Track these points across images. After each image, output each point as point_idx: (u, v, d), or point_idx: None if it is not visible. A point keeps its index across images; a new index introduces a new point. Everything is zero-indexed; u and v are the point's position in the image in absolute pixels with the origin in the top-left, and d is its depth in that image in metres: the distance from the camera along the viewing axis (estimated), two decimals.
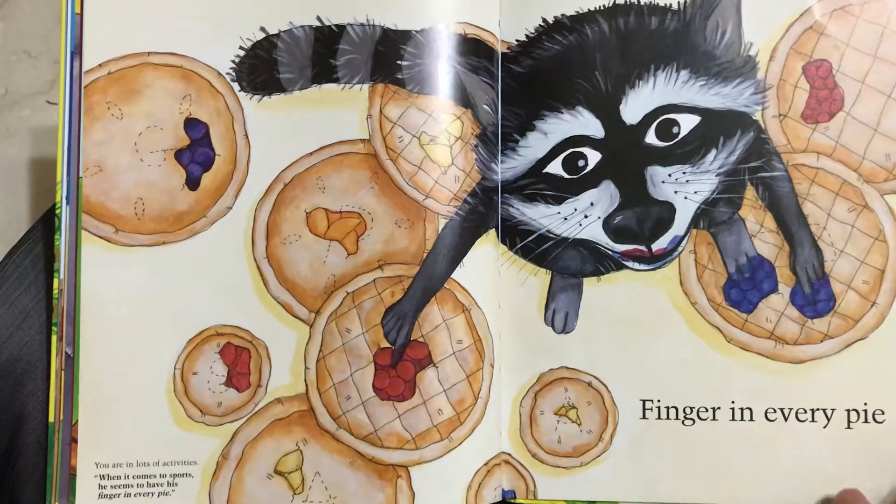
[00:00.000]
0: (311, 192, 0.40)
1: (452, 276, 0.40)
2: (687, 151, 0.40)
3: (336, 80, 0.40)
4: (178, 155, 0.40)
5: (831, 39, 0.40)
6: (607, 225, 0.40)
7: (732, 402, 0.40)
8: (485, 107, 0.41)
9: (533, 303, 0.41)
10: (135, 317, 0.40)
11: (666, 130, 0.40)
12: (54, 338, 0.39)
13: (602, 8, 0.40)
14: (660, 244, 0.40)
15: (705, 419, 0.40)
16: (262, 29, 0.40)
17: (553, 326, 0.40)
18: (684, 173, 0.40)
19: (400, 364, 0.40)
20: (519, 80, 0.41)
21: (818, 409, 0.39)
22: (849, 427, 0.39)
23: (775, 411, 0.39)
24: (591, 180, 0.40)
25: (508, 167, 0.41)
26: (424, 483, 0.39)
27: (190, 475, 0.39)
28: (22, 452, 0.41)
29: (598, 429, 0.40)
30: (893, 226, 0.39)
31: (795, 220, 0.40)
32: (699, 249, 0.40)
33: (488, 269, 0.41)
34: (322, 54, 0.40)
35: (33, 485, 0.40)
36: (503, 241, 0.41)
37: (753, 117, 0.40)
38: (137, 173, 0.40)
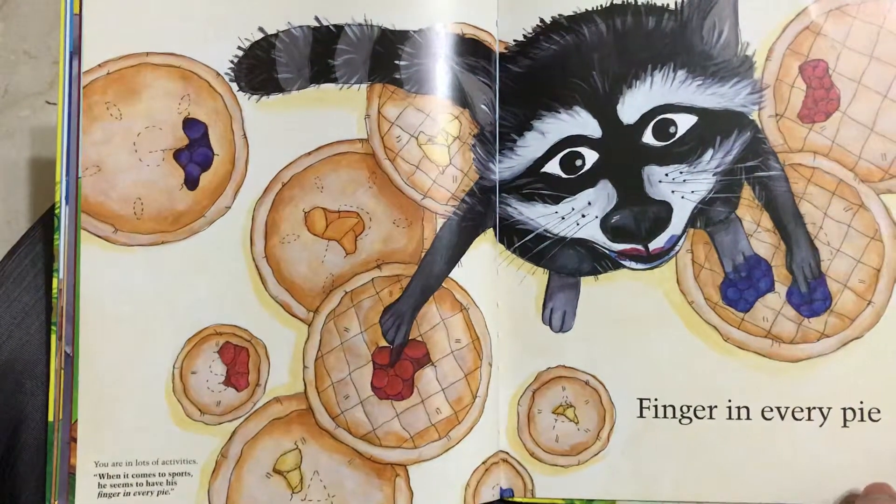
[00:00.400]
0: (309, 191, 0.40)
1: (450, 275, 0.40)
2: (684, 151, 0.40)
3: (334, 80, 0.40)
4: (177, 155, 0.40)
5: (828, 39, 0.40)
6: (605, 224, 0.40)
7: (729, 401, 0.40)
8: (482, 107, 0.41)
9: (531, 302, 0.41)
10: (134, 316, 0.40)
11: (663, 130, 0.40)
12: (54, 337, 0.40)
13: (599, 8, 0.40)
14: (657, 243, 0.40)
15: (702, 418, 0.40)
16: (261, 29, 0.41)
17: (551, 325, 0.41)
18: (681, 173, 0.40)
19: (398, 363, 0.40)
20: (517, 80, 0.41)
21: (815, 408, 0.39)
22: (845, 426, 0.39)
23: (772, 410, 0.39)
24: (589, 180, 0.40)
25: (506, 167, 0.41)
26: (423, 482, 0.40)
27: (189, 474, 0.39)
28: (22, 452, 0.41)
29: (595, 427, 0.40)
30: (889, 225, 0.39)
31: (792, 219, 0.40)
32: (696, 249, 0.40)
33: (486, 268, 0.41)
34: (320, 54, 0.41)
35: (33, 484, 0.40)
36: (501, 241, 0.41)
37: (750, 117, 0.40)
38: (136, 173, 0.40)
